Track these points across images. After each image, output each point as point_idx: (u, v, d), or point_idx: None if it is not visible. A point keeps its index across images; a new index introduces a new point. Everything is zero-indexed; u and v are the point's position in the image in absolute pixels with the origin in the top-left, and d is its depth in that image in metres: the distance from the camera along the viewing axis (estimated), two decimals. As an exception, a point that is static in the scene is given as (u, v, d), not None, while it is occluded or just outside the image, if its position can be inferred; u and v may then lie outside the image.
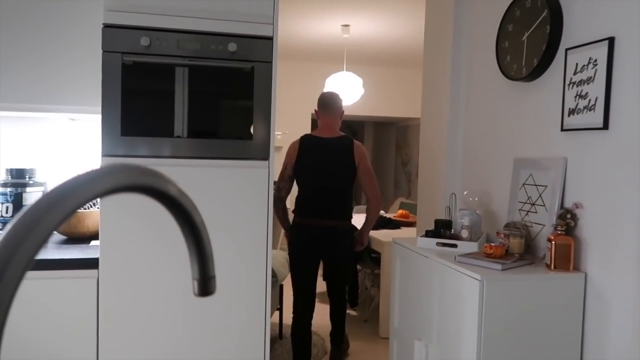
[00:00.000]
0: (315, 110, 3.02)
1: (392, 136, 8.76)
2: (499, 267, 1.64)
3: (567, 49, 1.75)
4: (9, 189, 1.91)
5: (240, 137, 1.75)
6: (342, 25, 4.83)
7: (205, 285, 0.43)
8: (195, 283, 0.43)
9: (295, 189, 2.95)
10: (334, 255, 2.89)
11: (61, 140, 2.18)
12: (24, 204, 1.93)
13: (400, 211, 4.83)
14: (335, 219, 2.84)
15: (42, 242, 0.29)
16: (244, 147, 1.75)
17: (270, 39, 1.76)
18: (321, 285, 4.99)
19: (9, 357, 1.61)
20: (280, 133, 6.70)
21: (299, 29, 5.02)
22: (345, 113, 6.95)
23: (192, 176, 1.72)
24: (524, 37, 1.96)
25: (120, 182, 0.35)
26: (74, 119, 2.16)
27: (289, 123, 6.79)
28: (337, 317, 3.12)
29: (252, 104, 1.75)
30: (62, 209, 0.30)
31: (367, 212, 3.07)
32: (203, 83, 1.71)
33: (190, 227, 0.41)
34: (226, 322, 1.77)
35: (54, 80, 1.87)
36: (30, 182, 1.98)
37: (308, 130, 6.91)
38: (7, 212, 1.90)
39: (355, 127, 10.05)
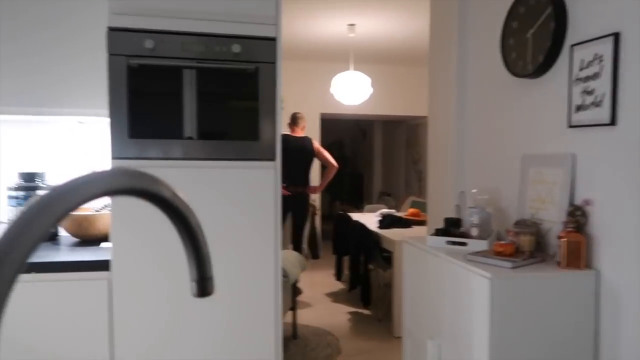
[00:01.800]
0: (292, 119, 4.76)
1: (402, 135, 8.73)
2: (509, 265, 1.63)
3: (572, 45, 1.73)
4: (21, 193, 1.94)
5: (246, 138, 1.76)
6: (348, 25, 4.83)
7: (204, 286, 0.44)
8: (194, 284, 0.44)
9: None
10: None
11: (70, 143, 2.21)
12: (35, 207, 1.96)
13: (411, 210, 4.81)
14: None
15: (36, 244, 0.30)
16: (250, 147, 1.76)
17: (274, 39, 1.76)
18: (331, 285, 4.99)
19: (22, 359, 1.63)
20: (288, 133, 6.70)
21: (305, 29, 5.03)
22: (354, 112, 6.97)
23: (200, 177, 1.73)
24: (529, 34, 1.95)
25: (113, 185, 0.35)
26: (83, 122, 2.19)
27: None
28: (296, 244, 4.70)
29: (257, 104, 1.75)
30: (55, 212, 0.31)
31: (325, 174, 4.92)
32: (208, 85, 1.72)
33: (186, 229, 0.41)
34: (238, 322, 1.78)
35: (63, 83, 1.89)
36: (41, 185, 2.01)
37: (317, 130, 6.92)
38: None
39: (364, 126, 10.03)
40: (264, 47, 1.76)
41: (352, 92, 5.15)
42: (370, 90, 5.24)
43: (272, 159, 1.79)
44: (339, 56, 6.21)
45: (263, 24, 1.76)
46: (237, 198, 1.76)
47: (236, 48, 1.72)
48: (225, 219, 1.75)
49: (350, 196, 10.17)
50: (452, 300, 1.79)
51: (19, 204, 1.94)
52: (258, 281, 1.79)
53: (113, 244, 1.67)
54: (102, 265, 1.68)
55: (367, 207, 5.99)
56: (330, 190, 10.02)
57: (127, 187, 0.36)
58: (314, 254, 5.16)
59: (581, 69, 1.70)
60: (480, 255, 1.71)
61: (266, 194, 1.78)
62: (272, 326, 1.80)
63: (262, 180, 1.77)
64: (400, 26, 4.89)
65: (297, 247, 4.70)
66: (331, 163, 4.82)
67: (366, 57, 6.34)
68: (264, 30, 1.76)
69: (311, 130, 6.84)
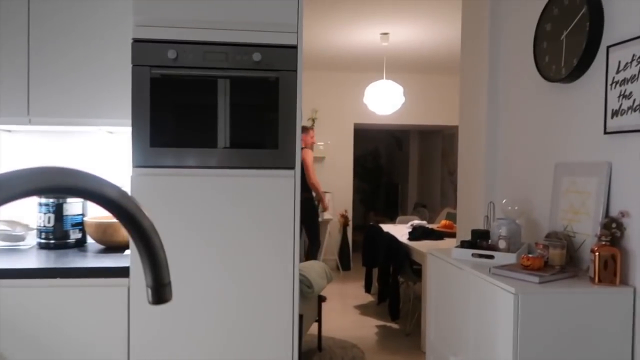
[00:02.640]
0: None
1: (438, 145, 8.58)
2: (537, 279, 1.54)
3: (608, 47, 1.64)
4: (50, 200, 2.00)
5: (267, 146, 1.75)
6: (381, 34, 4.80)
7: (160, 292, 0.41)
8: (149, 290, 0.41)
9: None
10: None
11: (100, 153, 2.27)
12: (64, 214, 2.01)
13: (443, 221, 4.69)
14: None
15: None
16: (270, 156, 1.75)
17: (295, 47, 1.75)
18: (360, 298, 4.91)
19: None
20: (322, 143, 6.72)
21: (338, 38, 5.03)
22: (388, 122, 6.90)
23: (219, 185, 1.73)
24: (563, 36, 1.86)
25: (51, 183, 0.34)
26: (112, 132, 2.24)
27: (331, 133, 6.80)
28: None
29: (277, 112, 1.74)
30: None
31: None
32: (229, 93, 1.73)
33: (138, 232, 0.39)
34: (255, 330, 1.76)
35: (92, 95, 1.94)
36: (71, 193, 2.07)
37: (351, 140, 6.89)
38: (49, 222, 1.99)
39: (400, 136, 9.92)
40: (285, 55, 1.75)
41: (385, 101, 5.10)
42: (403, 99, 5.17)
43: (292, 167, 1.77)
44: (373, 66, 6.18)
45: (284, 32, 1.75)
46: (257, 206, 1.75)
47: (257, 56, 1.72)
48: (244, 227, 1.74)
49: (385, 207, 10.05)
50: (476, 316, 1.71)
51: (49, 211, 2.00)
52: (276, 291, 1.76)
53: (132, 250, 1.69)
54: (123, 272, 1.70)
55: (399, 218, 5.89)
56: (365, 201, 9.93)
57: (68, 185, 0.35)
58: (345, 265, 5.12)
59: (618, 72, 1.61)
60: (506, 269, 1.63)
61: (286, 202, 1.76)
62: (290, 335, 1.77)
63: (282, 188, 1.76)
64: (434, 34, 4.82)
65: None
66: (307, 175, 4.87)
67: (400, 66, 6.28)
68: (285, 38, 1.75)
69: (345, 140, 6.82)
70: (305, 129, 5.11)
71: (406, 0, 3.91)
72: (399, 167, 10.17)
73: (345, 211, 6.74)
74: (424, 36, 4.91)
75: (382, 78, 5.41)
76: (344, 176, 6.82)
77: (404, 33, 4.79)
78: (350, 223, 6.74)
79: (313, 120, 6.69)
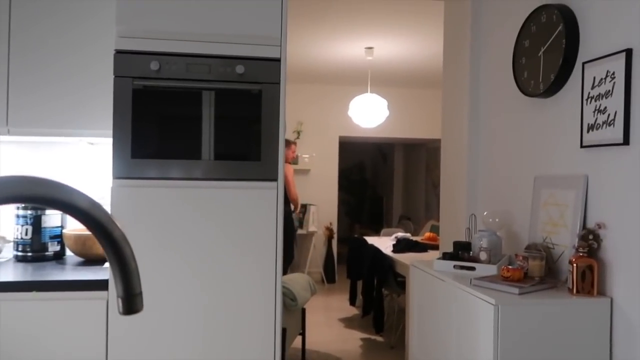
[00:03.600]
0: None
1: (422, 158, 8.65)
2: (516, 290, 1.56)
3: (584, 63, 1.69)
4: (28, 212, 1.97)
5: (249, 159, 1.75)
6: (365, 48, 4.85)
7: (130, 302, 0.41)
8: (120, 301, 0.41)
9: None
10: None
11: (81, 164, 2.25)
12: (42, 226, 1.98)
13: (427, 234, 4.72)
14: None
15: None
16: (252, 168, 1.75)
17: (278, 60, 1.77)
18: (345, 310, 4.89)
19: (20, 378, 1.62)
20: (307, 156, 6.73)
21: (323, 52, 5.08)
22: (373, 135, 6.95)
23: (200, 197, 1.72)
24: (540, 53, 1.90)
25: (21, 192, 0.34)
26: (93, 143, 2.22)
27: (316, 145, 6.81)
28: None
29: (260, 125, 1.75)
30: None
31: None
32: (213, 106, 1.73)
33: (109, 242, 0.39)
34: (235, 343, 1.74)
35: (74, 106, 1.93)
36: (50, 205, 2.04)
37: (336, 153, 6.91)
38: (26, 234, 1.96)
39: (385, 149, 9.99)
40: (269, 68, 1.77)
41: (370, 114, 5.14)
42: (387, 112, 5.22)
43: (275, 179, 1.77)
44: (357, 79, 6.24)
45: (267, 45, 1.77)
46: (239, 218, 1.74)
47: (240, 69, 1.73)
48: (225, 239, 1.73)
49: (370, 220, 10.07)
50: (457, 327, 1.72)
51: (26, 223, 1.96)
52: (259, 303, 1.75)
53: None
54: (101, 285, 1.67)
55: (384, 230, 5.91)
56: (350, 214, 9.94)
57: (37, 195, 0.35)
58: (330, 278, 5.09)
59: (593, 87, 1.65)
60: (486, 280, 1.64)
61: (268, 214, 1.76)
62: (271, 350, 1.75)
63: (264, 200, 1.76)
64: (418, 49, 4.89)
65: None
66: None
67: (384, 80, 6.34)
68: (269, 51, 1.77)
69: (330, 152, 6.85)
70: (287, 143, 5.15)
71: (391, 15, 3.97)
72: (383, 180, 10.22)
73: (330, 224, 6.74)
74: (408, 50, 4.98)
75: (367, 91, 5.46)
76: (329, 189, 6.83)
77: (388, 47, 4.85)
78: (335, 235, 6.74)
79: (298, 132, 6.71)
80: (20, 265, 1.90)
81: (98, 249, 1.94)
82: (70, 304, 1.66)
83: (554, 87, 1.82)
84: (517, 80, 2.05)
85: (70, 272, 1.77)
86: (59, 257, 2.05)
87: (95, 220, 0.38)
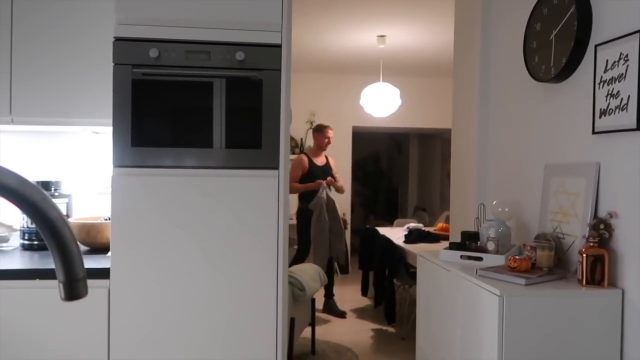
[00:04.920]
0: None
1: (437, 148, 8.54)
2: (523, 281, 1.51)
3: (596, 45, 1.62)
4: (34, 201, 1.98)
5: (249, 146, 1.72)
6: (378, 36, 4.78)
7: (72, 287, 0.39)
8: (61, 286, 0.39)
9: None
10: None
11: (85, 153, 2.25)
12: (48, 215, 1.99)
13: (440, 224, 4.65)
14: None
15: None
16: (253, 156, 1.73)
17: (279, 46, 1.73)
18: (357, 301, 4.87)
19: (24, 365, 1.64)
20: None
21: (334, 41, 5.01)
22: (386, 125, 6.86)
23: (200, 185, 1.70)
24: (552, 36, 1.83)
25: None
26: (98, 132, 2.22)
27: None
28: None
29: (261, 112, 1.72)
30: None
31: None
32: (213, 93, 1.70)
33: (44, 223, 0.37)
34: (238, 333, 1.73)
35: (76, 95, 1.92)
36: (56, 194, 2.05)
37: (349, 143, 6.85)
38: (32, 224, 1.97)
39: (399, 139, 9.88)
40: (269, 54, 1.73)
41: (382, 104, 5.07)
42: (399, 102, 5.14)
43: (276, 167, 1.74)
44: (369, 68, 6.16)
45: (268, 31, 1.73)
46: (239, 207, 1.72)
47: (240, 55, 1.70)
48: (226, 228, 1.72)
49: (385, 211, 10.00)
50: (463, 318, 1.68)
51: (32, 211, 1.98)
52: (262, 292, 1.74)
53: (113, 252, 1.67)
54: (103, 273, 1.67)
55: (397, 221, 5.85)
56: (365, 205, 9.88)
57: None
58: (343, 269, 4.99)
59: (606, 70, 1.58)
60: (492, 270, 1.60)
61: (269, 202, 1.73)
62: (273, 339, 1.74)
63: (265, 188, 1.73)
64: (430, 37, 4.80)
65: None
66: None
67: (397, 69, 6.25)
68: (269, 37, 1.73)
69: (343, 143, 6.79)
70: (318, 128, 4.65)
71: (402, 3, 3.89)
72: (398, 171, 10.12)
73: (344, 214, 6.70)
74: (421, 39, 4.89)
75: (379, 80, 5.37)
76: (342, 179, 6.77)
77: (400, 35, 4.77)
78: (349, 227, 6.70)
79: (311, 123, 6.67)
80: (27, 253, 1.92)
81: (102, 237, 1.95)
82: (72, 292, 1.66)
83: (566, 71, 1.76)
84: (528, 65, 1.98)
85: (74, 261, 1.78)
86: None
87: (25, 199, 0.35)
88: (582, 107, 1.71)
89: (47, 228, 0.37)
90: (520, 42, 2.05)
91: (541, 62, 1.90)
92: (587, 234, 1.54)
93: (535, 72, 1.94)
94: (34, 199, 0.36)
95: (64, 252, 0.38)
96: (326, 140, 4.64)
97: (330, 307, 4.48)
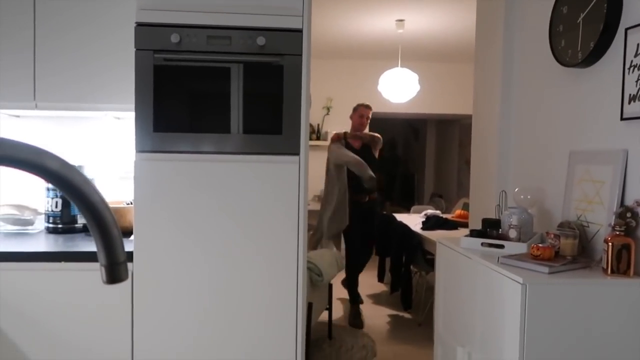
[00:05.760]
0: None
1: (455, 134, 8.45)
2: (546, 269, 1.49)
3: (627, 29, 1.57)
4: (58, 185, 2.01)
5: (270, 132, 1.72)
6: (396, 21, 4.71)
7: (114, 271, 0.39)
8: (103, 269, 0.39)
9: None
10: None
11: (108, 138, 2.28)
12: (72, 199, 2.02)
13: (458, 211, 4.62)
14: None
15: None
16: (274, 142, 1.73)
17: (300, 31, 1.72)
18: (374, 287, 4.88)
19: (46, 347, 1.68)
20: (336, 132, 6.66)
21: (352, 25, 4.96)
22: (404, 111, 6.80)
23: (222, 171, 1.71)
24: (580, 19, 1.78)
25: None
26: (120, 117, 2.24)
27: (346, 122, 6.72)
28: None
29: (282, 98, 1.72)
30: None
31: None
32: (234, 78, 1.70)
33: (86, 206, 0.37)
34: (258, 317, 1.75)
35: (98, 80, 1.94)
36: (79, 178, 2.08)
37: (366, 130, 6.80)
38: (56, 207, 2.01)
39: (417, 125, 9.80)
40: (290, 39, 1.72)
41: (400, 89, 5.02)
42: (418, 87, 5.08)
43: (297, 153, 1.74)
44: (387, 53, 6.09)
45: (288, 16, 1.72)
46: (260, 192, 1.73)
47: (261, 40, 1.69)
48: (247, 213, 1.73)
49: (401, 197, 9.97)
50: (483, 306, 1.67)
51: (56, 196, 2.01)
52: (281, 278, 1.75)
53: (136, 236, 1.69)
54: (127, 257, 1.70)
55: (414, 208, 5.83)
56: (381, 191, 9.87)
57: (6, 156, 0.33)
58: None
59: (636, 55, 1.53)
60: (514, 258, 1.58)
61: (290, 188, 1.74)
62: (293, 324, 1.75)
63: (286, 174, 1.73)
64: (450, 21, 4.72)
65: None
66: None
67: (415, 54, 6.17)
68: (290, 22, 1.72)
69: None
70: (355, 107, 4.27)
71: (422, -15, 3.82)
72: (415, 157, 10.06)
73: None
74: (441, 23, 4.80)
75: (397, 66, 5.31)
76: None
77: (419, 20, 4.69)
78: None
79: (328, 109, 6.64)
80: (52, 236, 1.96)
81: (125, 221, 1.98)
82: (95, 275, 1.69)
83: (594, 55, 1.71)
84: (554, 49, 1.93)
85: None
86: (87, 229, 2.10)
87: (67, 182, 0.36)
88: (610, 93, 1.66)
89: (89, 212, 0.37)
90: (546, 26, 2.00)
91: (568, 46, 1.85)
92: (613, 222, 1.51)
93: (562, 57, 1.89)
94: (76, 182, 0.36)
95: (105, 236, 0.38)
96: (361, 119, 4.20)
97: (355, 317, 3.89)
